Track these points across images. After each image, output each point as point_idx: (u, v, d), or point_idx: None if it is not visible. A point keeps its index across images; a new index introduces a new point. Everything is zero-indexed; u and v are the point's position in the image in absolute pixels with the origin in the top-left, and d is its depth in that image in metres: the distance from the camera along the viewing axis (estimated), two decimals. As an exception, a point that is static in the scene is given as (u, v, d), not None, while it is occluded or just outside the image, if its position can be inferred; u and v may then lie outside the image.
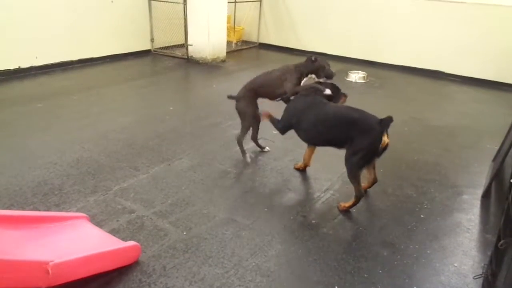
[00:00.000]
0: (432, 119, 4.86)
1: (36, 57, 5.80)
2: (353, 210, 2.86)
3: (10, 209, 2.59)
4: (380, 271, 2.29)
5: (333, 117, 2.82)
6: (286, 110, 3.16)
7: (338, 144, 2.87)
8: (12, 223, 2.05)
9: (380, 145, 2.67)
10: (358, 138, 2.68)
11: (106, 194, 2.86)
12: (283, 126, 3.15)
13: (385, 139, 2.68)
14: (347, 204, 2.85)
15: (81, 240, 2.18)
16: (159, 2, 7.13)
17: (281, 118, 3.16)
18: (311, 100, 2.98)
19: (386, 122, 2.65)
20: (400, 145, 4.04)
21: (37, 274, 1.74)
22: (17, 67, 5.62)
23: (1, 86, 5.18)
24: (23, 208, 2.63)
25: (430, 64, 7.10)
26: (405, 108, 5.20)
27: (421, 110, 5.15)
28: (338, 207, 2.87)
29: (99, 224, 2.50)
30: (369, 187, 3.05)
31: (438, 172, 3.52)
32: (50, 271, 1.76)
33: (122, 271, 2.15)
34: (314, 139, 3.07)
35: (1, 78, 5.39)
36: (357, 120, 2.69)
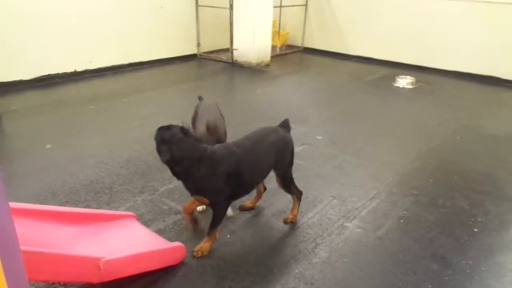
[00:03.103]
0: (486, 128, 4.60)
1: (90, 61, 6.11)
2: (401, 221, 2.76)
3: (65, 205, 2.72)
4: (430, 286, 2.19)
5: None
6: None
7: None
8: (68, 219, 2.16)
9: None
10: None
11: (154, 194, 2.94)
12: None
13: None
14: (295, 213, 2.68)
15: (130, 239, 2.26)
16: (206, 7, 7.28)
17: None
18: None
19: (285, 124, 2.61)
20: (452, 155, 3.85)
21: (90, 269, 1.81)
22: (73, 70, 5.95)
23: (59, 88, 5.50)
24: (76, 205, 2.76)
25: (485, 70, 6.73)
26: (457, 115, 4.96)
27: (475, 118, 4.89)
28: (285, 221, 2.67)
29: (146, 223, 2.57)
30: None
31: (493, 184, 3.32)
32: (102, 267, 1.83)
33: (167, 271, 2.20)
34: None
35: (59, 80, 5.72)
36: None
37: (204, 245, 2.33)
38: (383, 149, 3.93)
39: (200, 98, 3.25)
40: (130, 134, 4.02)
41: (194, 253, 2.31)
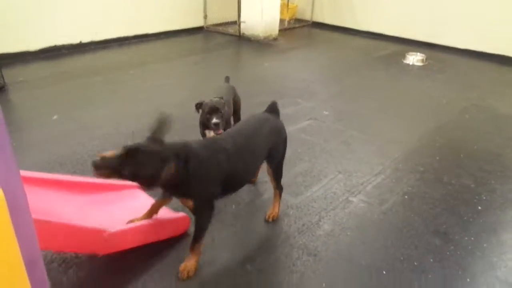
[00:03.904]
0: (497, 108, 4.53)
1: (96, 33, 6.05)
2: (405, 196, 2.77)
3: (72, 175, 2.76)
4: (431, 260, 2.21)
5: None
6: None
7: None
8: (75, 188, 2.19)
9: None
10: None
11: (160, 166, 2.96)
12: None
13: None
14: (276, 210, 2.47)
15: (136, 209, 2.28)
16: (214, -22, 7.13)
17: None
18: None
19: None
20: (459, 133, 3.82)
21: (95, 240, 1.84)
22: (79, 42, 5.90)
23: (65, 59, 5.48)
24: (84, 176, 2.79)
25: (498, 49, 6.58)
26: (466, 94, 4.89)
27: (485, 97, 4.82)
28: (267, 219, 2.45)
29: (151, 194, 2.59)
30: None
31: (500, 163, 3.30)
32: (107, 239, 1.86)
33: (173, 241, 2.24)
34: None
35: (65, 52, 5.69)
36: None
37: (189, 263, 2.01)
38: (390, 126, 3.90)
39: (226, 78, 3.34)
40: (136, 106, 4.01)
41: (180, 275, 1.99)
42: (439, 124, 3.96)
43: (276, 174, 2.41)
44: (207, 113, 2.66)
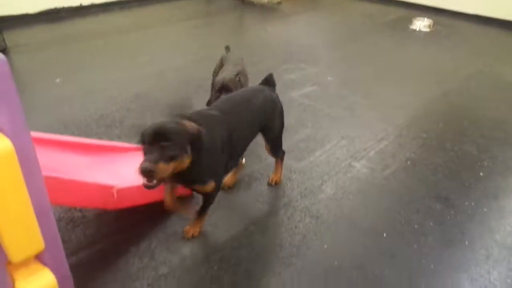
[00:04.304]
0: (504, 74, 4.47)
1: (97, -6, 5.91)
2: (407, 162, 2.79)
3: (77, 137, 2.77)
4: (432, 224, 2.25)
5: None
6: None
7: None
8: (82, 149, 2.21)
9: None
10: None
11: (163, 129, 2.97)
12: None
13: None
14: (279, 174, 2.45)
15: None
16: None
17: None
18: None
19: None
20: (464, 100, 3.79)
21: (103, 196, 1.88)
22: (79, 5, 5.76)
23: (66, 23, 5.37)
24: (89, 138, 2.80)
25: (508, 14, 6.40)
26: (473, 61, 4.80)
27: (492, 64, 4.74)
28: (270, 183, 2.44)
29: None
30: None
31: (504, 130, 3.30)
32: (115, 195, 1.90)
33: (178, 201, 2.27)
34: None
35: (64, 15, 5.57)
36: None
37: (195, 228, 2.05)
38: (395, 92, 3.87)
39: (227, 48, 3.17)
40: (138, 69, 3.97)
41: (185, 235, 2.05)
42: (444, 90, 3.92)
43: (274, 149, 2.30)
44: (217, 91, 2.42)
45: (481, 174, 2.72)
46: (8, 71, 0.84)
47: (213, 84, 3.01)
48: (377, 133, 3.11)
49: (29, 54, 4.27)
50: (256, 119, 2.07)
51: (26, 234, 0.90)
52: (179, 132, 1.62)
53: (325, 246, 2.08)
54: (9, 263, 0.96)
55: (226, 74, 2.53)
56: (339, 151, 2.86)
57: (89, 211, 2.20)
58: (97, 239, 2.05)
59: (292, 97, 3.54)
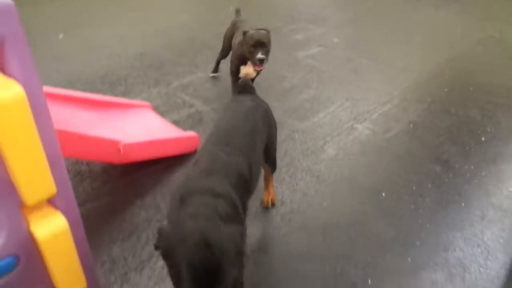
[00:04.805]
0: (512, 40, 4.39)
1: None
2: (410, 126, 2.80)
3: (82, 93, 2.79)
4: (430, 186, 2.30)
5: None
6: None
7: None
8: (87, 104, 2.23)
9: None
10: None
11: (168, 87, 2.98)
12: None
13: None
14: (272, 191, 2.08)
15: (146, 126, 2.35)
16: None
17: None
18: None
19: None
20: (471, 65, 3.75)
21: (110, 150, 1.93)
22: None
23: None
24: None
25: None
26: (483, 26, 4.69)
27: (502, 29, 4.63)
28: (266, 206, 2.07)
29: (161, 114, 2.65)
30: None
31: (509, 97, 3.28)
32: (121, 150, 1.95)
33: (182, 158, 2.32)
34: None
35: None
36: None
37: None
38: (401, 55, 3.82)
39: (237, 11, 3.04)
40: (142, 27, 3.92)
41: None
42: (452, 55, 3.86)
43: (273, 164, 1.98)
44: (251, 45, 2.35)
45: (482, 139, 2.74)
46: (17, 15, 0.85)
47: (223, 48, 2.96)
48: (381, 96, 3.11)
49: (33, 7, 4.21)
50: (263, 142, 1.74)
51: (39, 178, 0.95)
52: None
53: (325, 203, 2.14)
54: (23, 206, 1.01)
55: (257, 28, 2.44)
56: (342, 113, 2.88)
57: (96, 165, 2.26)
58: (104, 192, 2.12)
59: (297, 58, 3.51)
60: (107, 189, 2.14)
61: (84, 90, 2.87)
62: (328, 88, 3.15)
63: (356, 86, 3.21)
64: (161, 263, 1.79)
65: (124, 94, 2.86)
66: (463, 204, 2.21)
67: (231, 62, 2.67)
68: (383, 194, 2.22)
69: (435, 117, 2.93)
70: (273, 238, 1.94)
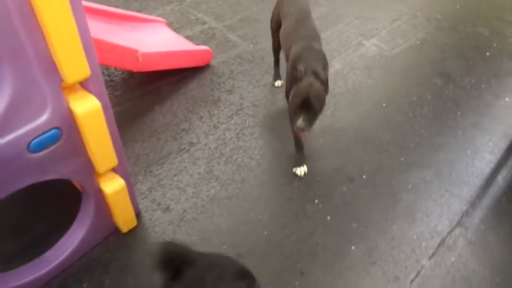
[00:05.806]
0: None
1: None
2: (417, 42, 2.86)
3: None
4: (429, 97, 2.43)
5: None
6: None
7: None
8: (104, 16, 2.35)
9: None
10: None
11: (181, 5, 3.05)
12: None
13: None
14: None
15: (162, 39, 2.48)
16: None
17: None
18: None
19: None
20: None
21: (129, 58, 2.08)
22: None
23: None
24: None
25: None
26: None
27: None
28: None
29: (175, 31, 2.75)
30: None
31: (522, 14, 3.26)
32: (139, 58, 2.10)
33: (196, 70, 2.48)
34: None
35: None
36: None
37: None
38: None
39: None
40: None
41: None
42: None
43: None
44: (296, 105, 1.74)
45: (487, 54, 2.80)
46: None
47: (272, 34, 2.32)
48: (391, 14, 3.13)
49: None
50: None
51: (75, 59, 1.11)
52: None
53: (328, 112, 2.30)
54: (63, 87, 1.20)
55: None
56: (351, 30, 2.93)
57: (116, 75, 2.44)
58: (125, 99, 2.31)
59: None
60: (127, 97, 2.33)
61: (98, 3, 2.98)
62: (339, 6, 3.17)
63: (366, 4, 3.21)
64: (179, 158, 2.03)
65: (139, 11, 2.93)
66: (459, 113, 2.35)
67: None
68: (384, 104, 2.37)
69: (443, 34, 2.97)
70: (276, 144, 2.14)
